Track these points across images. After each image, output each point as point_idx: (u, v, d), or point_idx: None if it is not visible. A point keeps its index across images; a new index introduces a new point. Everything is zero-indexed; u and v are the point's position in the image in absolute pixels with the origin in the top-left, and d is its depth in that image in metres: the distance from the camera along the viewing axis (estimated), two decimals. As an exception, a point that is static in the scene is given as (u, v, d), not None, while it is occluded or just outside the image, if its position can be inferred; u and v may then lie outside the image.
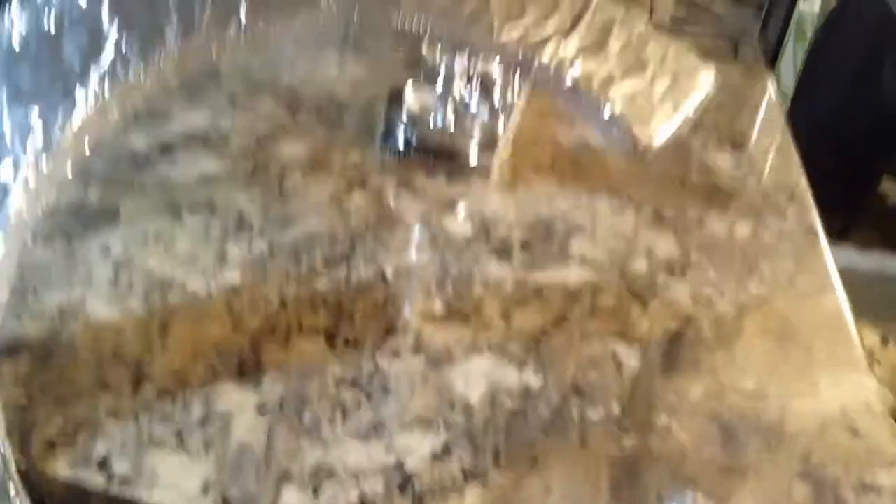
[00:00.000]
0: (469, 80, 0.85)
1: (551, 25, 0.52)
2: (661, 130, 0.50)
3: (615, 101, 0.50)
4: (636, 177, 0.82)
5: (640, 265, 0.66)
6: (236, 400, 0.47)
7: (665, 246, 0.70)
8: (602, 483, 0.45)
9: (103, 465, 0.42)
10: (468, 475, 0.44)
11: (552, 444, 0.47)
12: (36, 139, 0.44)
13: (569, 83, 0.50)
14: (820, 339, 0.60)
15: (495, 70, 0.94)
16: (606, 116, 0.50)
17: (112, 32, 0.47)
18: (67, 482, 0.41)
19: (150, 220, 0.63)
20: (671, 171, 0.85)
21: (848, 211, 2.26)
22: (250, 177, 0.71)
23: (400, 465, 0.44)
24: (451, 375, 0.51)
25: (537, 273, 0.63)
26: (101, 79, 0.46)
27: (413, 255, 0.64)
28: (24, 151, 0.44)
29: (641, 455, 0.47)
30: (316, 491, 0.42)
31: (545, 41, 0.51)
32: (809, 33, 1.81)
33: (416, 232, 0.67)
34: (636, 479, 0.46)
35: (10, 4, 0.47)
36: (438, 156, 0.77)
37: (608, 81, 0.51)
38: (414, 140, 0.78)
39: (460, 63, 0.78)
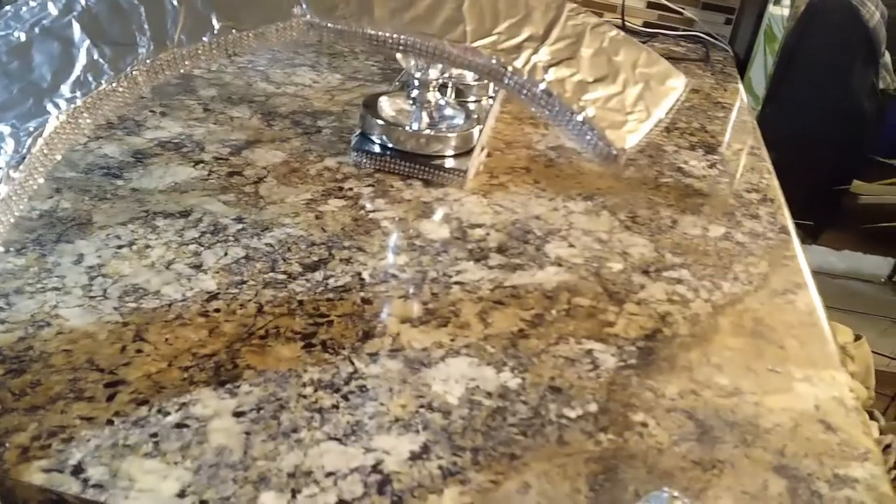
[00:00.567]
0: (444, 85, 0.85)
1: (524, 33, 0.52)
2: (634, 135, 0.51)
3: (588, 107, 0.51)
4: (611, 180, 0.83)
5: (615, 266, 0.67)
6: (213, 405, 0.47)
7: (640, 247, 0.71)
8: (580, 480, 0.45)
9: (78, 471, 0.41)
10: (447, 474, 0.44)
11: (530, 442, 0.47)
12: (7, 148, 0.44)
13: (542, 89, 0.51)
14: (793, 337, 0.61)
15: (470, 76, 0.95)
16: (579, 122, 0.50)
17: (84, 41, 0.47)
18: (42, 488, 0.40)
19: (123, 227, 0.63)
20: (645, 175, 0.86)
21: (820, 211, 2.30)
22: (226, 184, 0.71)
23: (378, 466, 0.44)
24: (429, 377, 0.51)
25: (514, 275, 0.64)
26: (73, 87, 0.46)
27: (390, 259, 0.64)
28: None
29: (619, 452, 0.48)
30: (294, 494, 0.42)
31: (518, 48, 0.52)
32: (780, 37, 1.84)
33: (393, 236, 0.67)
34: (614, 475, 0.46)
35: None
36: (414, 161, 0.77)
37: (581, 87, 0.51)
38: (389, 146, 0.78)
39: (435, 69, 0.78)
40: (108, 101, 0.47)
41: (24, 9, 0.48)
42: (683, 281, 0.66)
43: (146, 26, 0.48)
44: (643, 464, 0.47)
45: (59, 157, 0.46)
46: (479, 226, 0.71)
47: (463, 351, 0.54)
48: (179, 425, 0.45)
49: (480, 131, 0.82)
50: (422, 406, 0.49)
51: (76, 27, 0.47)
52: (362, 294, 0.59)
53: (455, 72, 0.86)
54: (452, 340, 0.55)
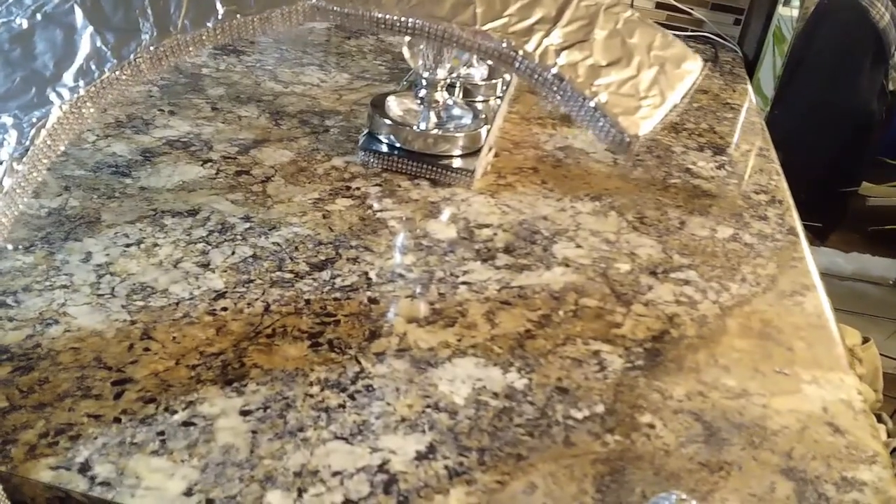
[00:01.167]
0: (452, 85, 0.85)
1: (535, 15, 0.51)
2: (648, 121, 0.49)
3: (601, 92, 0.49)
4: (618, 181, 0.83)
5: (623, 267, 0.67)
6: (220, 403, 0.47)
7: (647, 248, 0.71)
8: (587, 482, 0.45)
9: (85, 468, 0.41)
10: (453, 475, 0.44)
11: (537, 443, 0.47)
12: (10, 140, 0.44)
13: (553, 73, 0.49)
14: (801, 339, 0.61)
15: (478, 75, 0.95)
16: (592, 108, 0.49)
17: (86, 27, 0.46)
18: (49, 486, 0.40)
19: (131, 225, 0.63)
20: (653, 175, 0.86)
21: (828, 213, 2.29)
22: (234, 183, 0.71)
23: (384, 466, 0.44)
24: (435, 377, 0.51)
25: (521, 276, 0.64)
26: (76, 76, 0.45)
27: (397, 259, 0.64)
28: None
29: (625, 454, 0.47)
30: (300, 493, 0.42)
31: (529, 31, 0.50)
32: (789, 38, 1.83)
33: (400, 236, 0.67)
34: (620, 477, 0.46)
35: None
36: (422, 161, 0.77)
37: (593, 71, 0.50)
38: (397, 145, 0.78)
39: (443, 69, 0.78)
40: (112, 89, 0.47)
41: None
42: (691, 282, 0.66)
43: (149, 11, 0.47)
44: (650, 465, 0.47)
45: (62, 149, 0.46)
46: (487, 226, 0.71)
47: (470, 351, 0.54)
48: (186, 423, 0.45)
49: (488, 131, 0.82)
50: (428, 406, 0.49)
51: (78, 13, 0.46)
52: (369, 293, 0.59)
53: (463, 71, 0.86)
54: (459, 340, 0.55)
